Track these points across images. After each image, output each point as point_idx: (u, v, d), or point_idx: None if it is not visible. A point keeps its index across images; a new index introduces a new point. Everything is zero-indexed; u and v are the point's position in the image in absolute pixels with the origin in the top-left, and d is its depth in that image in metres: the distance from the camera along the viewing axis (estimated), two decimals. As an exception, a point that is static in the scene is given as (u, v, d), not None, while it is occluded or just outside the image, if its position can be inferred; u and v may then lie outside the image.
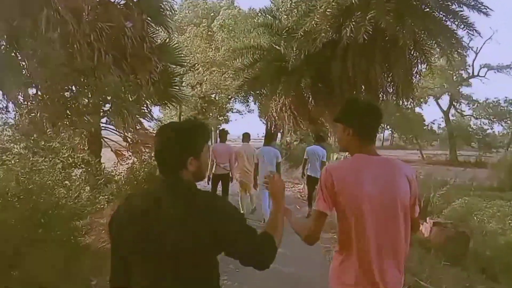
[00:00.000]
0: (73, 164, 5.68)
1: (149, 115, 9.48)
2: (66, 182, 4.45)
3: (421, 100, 32.19)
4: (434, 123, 35.18)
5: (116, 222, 1.53)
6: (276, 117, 11.55)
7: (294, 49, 8.60)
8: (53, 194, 4.18)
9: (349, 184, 1.83)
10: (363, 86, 8.64)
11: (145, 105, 9.30)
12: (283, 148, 20.72)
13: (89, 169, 6.52)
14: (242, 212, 7.93)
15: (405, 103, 9.58)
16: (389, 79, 8.29)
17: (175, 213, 1.41)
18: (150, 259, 1.42)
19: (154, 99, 9.87)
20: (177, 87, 10.25)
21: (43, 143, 5.33)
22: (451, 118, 34.13)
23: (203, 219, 1.40)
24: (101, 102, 8.76)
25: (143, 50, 8.35)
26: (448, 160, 29.07)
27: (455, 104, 34.67)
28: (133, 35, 8.06)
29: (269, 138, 8.16)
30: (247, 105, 30.14)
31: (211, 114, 28.80)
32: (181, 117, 22.84)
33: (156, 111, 29.00)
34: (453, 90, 32.64)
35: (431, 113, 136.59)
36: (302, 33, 8.10)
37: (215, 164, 7.96)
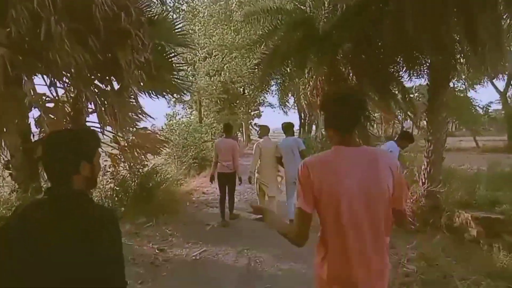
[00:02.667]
0: None
1: (139, 110, 7.34)
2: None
3: (475, 81, 28.48)
4: (490, 106, 31.04)
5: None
6: (305, 104, 9.08)
7: (326, 5, 6.09)
8: None
9: (326, 176, 1.79)
10: (427, 50, 5.83)
11: (132, 96, 7.18)
12: (318, 142, 18.30)
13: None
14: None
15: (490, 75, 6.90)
16: (470, 38, 5.54)
17: (59, 235, 1.33)
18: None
19: (147, 87, 7.75)
20: (175, 73, 8.03)
21: None
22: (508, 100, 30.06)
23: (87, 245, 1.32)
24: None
25: (121, 22, 6.21)
26: (507, 147, 25.55)
27: (513, 83, 30.55)
28: (105, 3, 5.92)
29: (287, 128, 7.12)
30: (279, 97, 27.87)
31: (241, 108, 26.62)
32: (202, 113, 20.78)
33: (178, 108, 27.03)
34: (504, 69, 28.62)
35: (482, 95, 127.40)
36: (337, -22, 5.59)
37: (219, 162, 7.08)
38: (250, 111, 30.96)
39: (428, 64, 6.63)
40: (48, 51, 5.35)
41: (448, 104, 6.63)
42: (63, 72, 6.26)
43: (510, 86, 29.73)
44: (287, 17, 7.84)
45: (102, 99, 6.67)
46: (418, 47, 6.13)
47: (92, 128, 1.20)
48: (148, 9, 7.97)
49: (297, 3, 8.00)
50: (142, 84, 7.28)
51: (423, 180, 6.69)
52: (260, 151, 7.05)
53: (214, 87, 18.42)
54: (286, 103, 27.36)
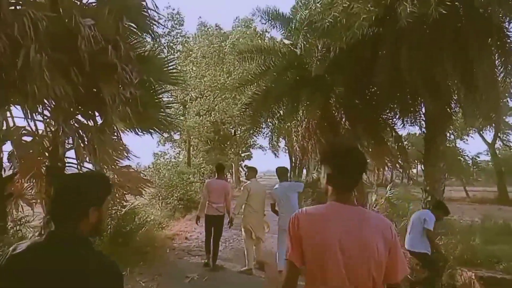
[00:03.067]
0: None
1: (122, 147, 6.95)
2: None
3: (463, 132, 29.04)
4: (479, 157, 31.36)
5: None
6: (297, 148, 8.81)
7: (319, 47, 5.98)
8: None
9: (314, 232, 1.72)
10: (423, 96, 5.67)
11: (115, 133, 6.82)
12: (308, 187, 17.94)
13: None
14: (247, 267, 6.50)
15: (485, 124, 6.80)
16: (467, 86, 5.39)
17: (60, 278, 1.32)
18: None
19: (132, 124, 7.39)
20: (163, 110, 7.74)
21: None
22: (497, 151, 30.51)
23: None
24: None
25: (108, 56, 5.97)
26: (497, 198, 25.36)
27: (501, 135, 31.12)
28: (92, 36, 5.70)
29: (281, 173, 6.68)
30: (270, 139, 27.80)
31: (232, 150, 26.39)
32: (191, 152, 20.37)
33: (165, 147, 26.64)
34: (498, 120, 29.22)
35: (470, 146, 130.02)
36: (330, 21, 5.48)
37: (208, 203, 6.76)
38: (240, 152, 30.73)
39: (423, 112, 6.48)
40: (25, 81, 5.06)
41: (444, 153, 6.40)
42: (44, 103, 5.95)
43: (498, 138, 30.20)
44: (280, 58, 7.76)
45: (82, 134, 6.33)
46: (412, 93, 5.98)
47: (104, 173, 1.11)
48: (139, 45, 7.82)
49: (290, 46, 7.94)
50: (127, 120, 6.95)
51: (422, 233, 6.28)
52: (248, 193, 6.70)
53: (205, 126, 18.22)
54: (277, 146, 27.27)
